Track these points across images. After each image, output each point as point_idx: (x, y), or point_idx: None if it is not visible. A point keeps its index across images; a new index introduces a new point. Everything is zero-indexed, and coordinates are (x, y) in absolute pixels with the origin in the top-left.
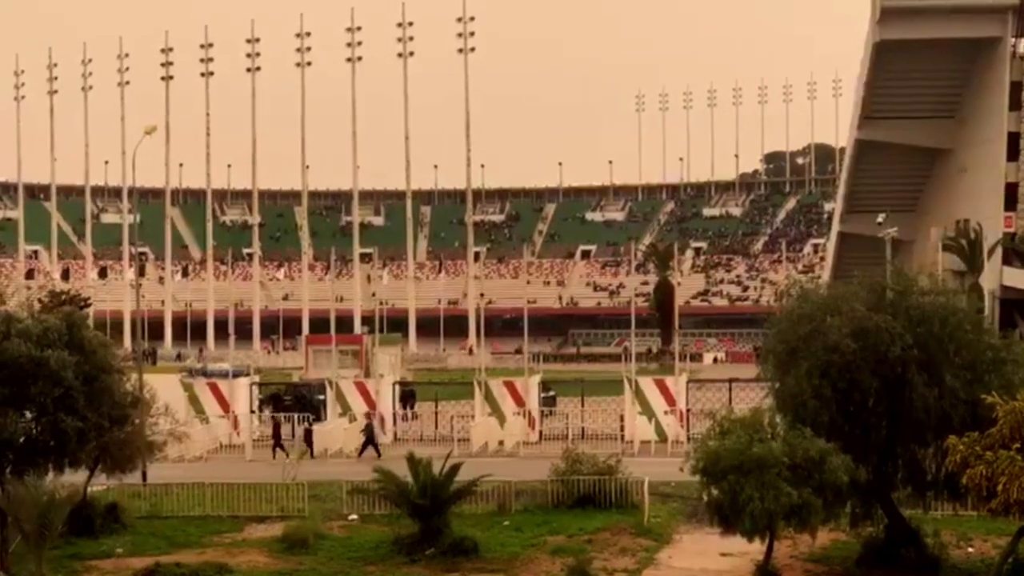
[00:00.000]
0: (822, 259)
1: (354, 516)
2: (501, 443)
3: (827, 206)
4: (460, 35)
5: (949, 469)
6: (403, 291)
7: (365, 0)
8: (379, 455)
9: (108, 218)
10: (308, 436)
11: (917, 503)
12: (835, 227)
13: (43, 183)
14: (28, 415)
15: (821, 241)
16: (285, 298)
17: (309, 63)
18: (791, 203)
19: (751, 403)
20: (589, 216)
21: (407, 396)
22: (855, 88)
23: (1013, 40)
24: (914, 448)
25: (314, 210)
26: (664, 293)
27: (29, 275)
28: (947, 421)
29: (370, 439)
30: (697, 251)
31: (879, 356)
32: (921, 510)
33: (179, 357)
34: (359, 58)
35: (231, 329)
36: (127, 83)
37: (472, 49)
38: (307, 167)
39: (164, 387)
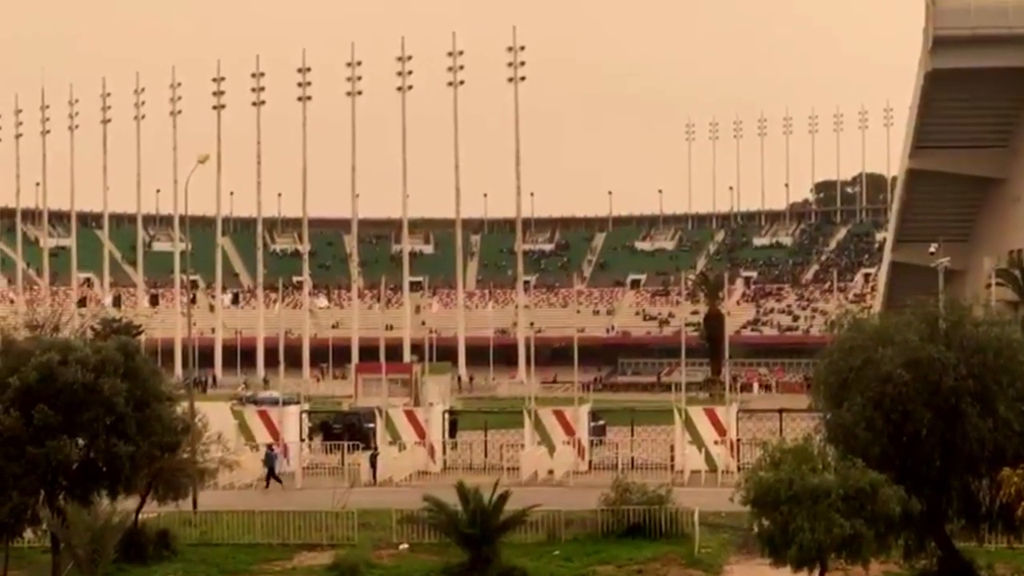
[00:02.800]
0: (873, 289)
1: (404, 545)
2: (551, 472)
3: (878, 235)
4: (510, 64)
5: (1003, 501)
6: (453, 320)
7: (416, 29)
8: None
9: (160, 246)
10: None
11: (971, 535)
12: (887, 256)
13: (96, 211)
14: (81, 442)
15: (872, 271)
16: (335, 326)
17: (360, 92)
18: (842, 232)
19: (802, 433)
20: (639, 245)
21: (450, 424)
22: (907, 117)
23: None
24: (968, 480)
25: (364, 238)
26: (714, 322)
27: (81, 302)
28: (1001, 453)
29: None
30: (747, 280)
31: (932, 387)
32: (975, 543)
33: (246, 385)
34: (410, 87)
35: (281, 357)
36: (179, 112)
37: (523, 78)
38: (357, 195)
39: (215, 415)
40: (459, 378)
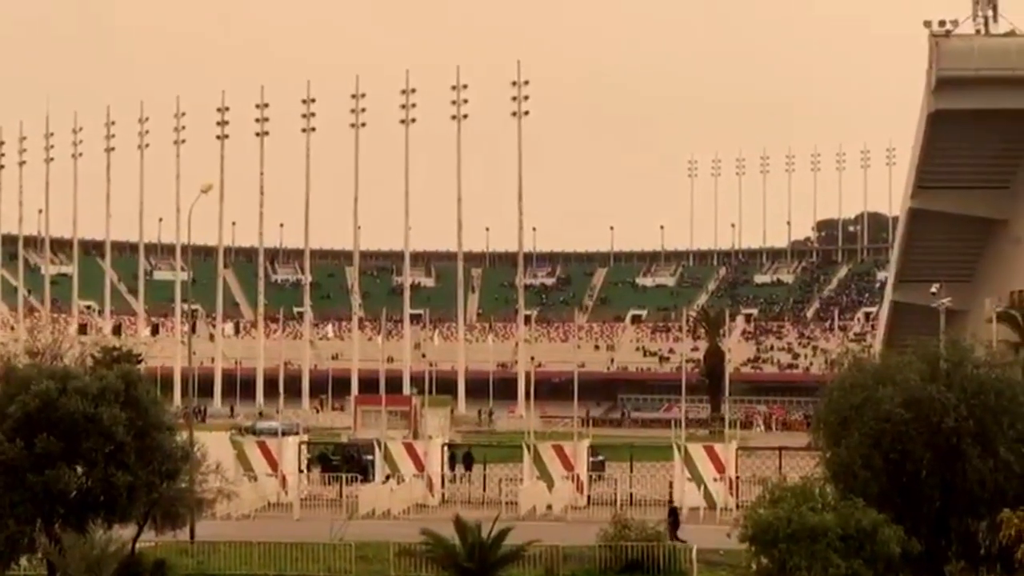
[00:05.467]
0: (874, 328)
1: None
2: (549, 507)
3: (880, 275)
4: (514, 98)
5: (1003, 543)
6: (453, 353)
7: (420, 62)
8: None
9: (161, 275)
10: None
11: None
12: (888, 296)
13: (98, 239)
14: (79, 470)
15: (873, 310)
16: (335, 358)
17: (363, 124)
18: (843, 271)
19: (801, 472)
20: (640, 281)
21: (465, 458)
22: (909, 157)
23: None
24: (968, 521)
25: (365, 270)
26: (714, 359)
27: (82, 330)
28: (1001, 494)
29: None
30: (748, 317)
31: (932, 427)
32: None
33: (261, 415)
34: (413, 120)
35: (281, 387)
36: (183, 142)
37: (526, 113)
38: (359, 227)
39: (214, 444)
40: (479, 411)
